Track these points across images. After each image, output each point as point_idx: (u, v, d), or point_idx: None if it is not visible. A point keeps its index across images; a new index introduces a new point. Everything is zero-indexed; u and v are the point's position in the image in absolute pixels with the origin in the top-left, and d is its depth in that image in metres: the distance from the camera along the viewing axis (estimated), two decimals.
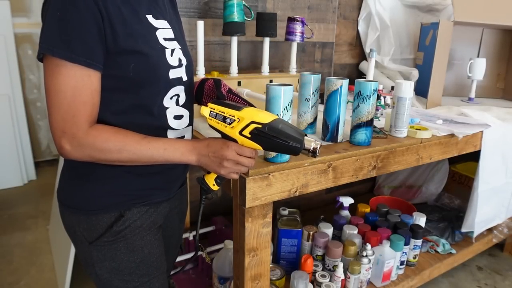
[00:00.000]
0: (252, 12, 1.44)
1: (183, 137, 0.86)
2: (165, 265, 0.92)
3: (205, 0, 1.47)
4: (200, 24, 1.27)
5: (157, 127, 0.80)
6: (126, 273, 0.83)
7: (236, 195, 0.92)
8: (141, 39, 0.73)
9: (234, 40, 1.38)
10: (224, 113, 0.73)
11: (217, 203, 1.73)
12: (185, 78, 0.83)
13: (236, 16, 1.33)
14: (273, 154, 0.92)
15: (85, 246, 0.82)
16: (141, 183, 0.81)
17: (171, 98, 0.81)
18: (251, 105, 0.82)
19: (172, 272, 1.48)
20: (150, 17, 0.76)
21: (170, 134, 0.83)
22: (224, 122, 0.73)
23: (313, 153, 0.73)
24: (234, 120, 0.72)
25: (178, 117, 0.83)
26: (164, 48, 0.77)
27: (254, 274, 0.99)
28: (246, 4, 1.38)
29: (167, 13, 0.83)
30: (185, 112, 0.85)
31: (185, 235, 1.53)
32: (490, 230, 1.82)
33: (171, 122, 0.82)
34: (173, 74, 0.79)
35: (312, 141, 0.73)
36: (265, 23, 1.43)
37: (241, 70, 1.51)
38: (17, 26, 2.74)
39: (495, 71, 1.96)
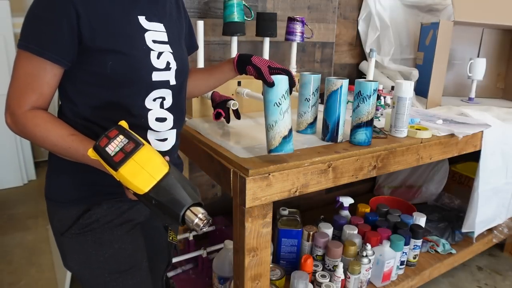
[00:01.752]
0: (252, 12, 1.44)
1: (165, 139, 0.86)
2: (144, 263, 0.90)
3: (205, 0, 1.47)
4: (200, 24, 1.26)
5: (136, 126, 0.78)
6: (95, 267, 0.84)
7: (236, 195, 0.92)
8: (123, 39, 0.74)
9: (234, 40, 1.38)
10: (105, 168, 0.65)
11: (217, 203, 1.73)
12: (173, 82, 0.83)
13: (236, 16, 1.32)
14: (275, 144, 0.89)
15: (58, 237, 0.84)
16: (113, 179, 0.79)
17: (154, 100, 0.81)
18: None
19: (172, 274, 1.48)
20: (142, 19, 0.78)
21: (150, 135, 0.83)
22: (108, 172, 0.66)
23: (195, 230, 0.64)
24: (114, 177, 0.65)
25: (160, 120, 0.83)
26: (150, 49, 0.77)
27: (254, 274, 0.99)
28: (246, 4, 1.38)
29: (167, 17, 0.84)
30: (169, 116, 0.85)
31: (185, 235, 1.53)
32: (490, 230, 1.82)
33: (152, 123, 0.82)
34: (157, 76, 0.79)
35: (195, 218, 0.63)
36: (265, 23, 1.42)
37: None
38: (17, 26, 2.74)
39: (495, 71, 1.96)
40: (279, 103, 0.88)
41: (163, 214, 0.64)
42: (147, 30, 0.78)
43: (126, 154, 0.63)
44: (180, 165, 0.97)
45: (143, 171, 0.63)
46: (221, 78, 1.03)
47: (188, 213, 0.64)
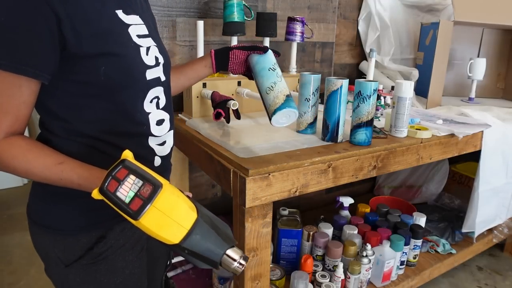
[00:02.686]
0: (252, 12, 1.44)
1: (164, 142, 0.81)
2: (146, 283, 0.87)
3: (205, 0, 1.47)
4: (200, 24, 1.26)
5: (138, 134, 0.75)
6: None
7: (236, 195, 0.92)
8: (112, 38, 0.66)
9: (234, 40, 1.38)
10: (119, 213, 0.55)
11: (217, 203, 1.73)
12: (163, 78, 0.78)
13: (236, 16, 1.32)
14: (279, 103, 0.84)
15: (60, 268, 0.75)
16: None
17: (151, 101, 0.75)
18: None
19: (172, 274, 1.48)
20: (120, 12, 0.69)
21: (151, 141, 0.78)
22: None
23: (234, 273, 0.60)
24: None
25: (159, 122, 0.78)
26: (138, 46, 0.70)
27: (254, 274, 0.99)
28: (246, 4, 1.38)
29: (139, 6, 0.76)
30: (166, 116, 0.80)
31: None
32: (490, 230, 1.82)
33: (153, 128, 0.77)
34: (150, 74, 0.73)
35: (233, 263, 0.58)
36: (265, 23, 1.42)
37: None
38: None
39: (495, 71, 1.96)
40: (274, 68, 0.89)
41: (198, 261, 0.58)
42: (129, 25, 0.70)
43: (144, 201, 0.53)
44: (169, 169, 0.90)
45: (170, 221, 0.54)
46: (194, 76, 0.99)
47: (225, 258, 0.58)
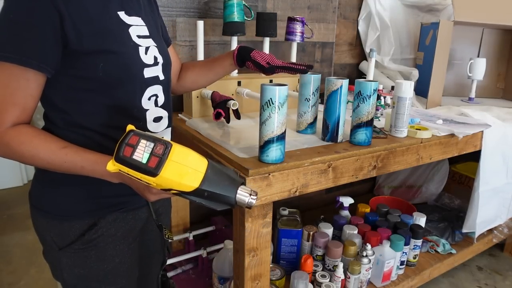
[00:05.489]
0: (252, 12, 1.44)
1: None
2: (136, 274, 0.89)
3: (205, 0, 1.47)
4: (200, 24, 1.26)
5: None
6: (94, 281, 0.82)
7: None
8: (111, 37, 0.70)
9: (234, 40, 1.38)
10: (136, 177, 0.60)
11: None
12: (162, 77, 0.81)
13: (236, 16, 1.32)
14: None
15: (54, 251, 0.80)
16: (118, 189, 0.74)
17: (149, 99, 0.78)
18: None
19: (172, 274, 1.48)
20: (122, 14, 0.74)
21: None
22: (141, 181, 0.61)
23: (248, 207, 0.67)
24: (151, 183, 0.61)
25: (157, 119, 0.82)
26: (137, 45, 0.75)
27: (254, 274, 0.99)
28: (246, 4, 1.38)
29: (142, 9, 0.81)
30: (164, 113, 0.83)
31: (184, 235, 1.53)
32: (490, 230, 1.82)
33: (150, 125, 0.80)
34: (148, 73, 0.77)
35: (247, 197, 0.65)
36: (265, 23, 1.42)
37: (241, 70, 1.51)
38: None
39: (495, 71, 1.96)
40: (260, 111, 0.87)
41: (215, 203, 0.64)
42: (130, 25, 0.74)
43: (160, 157, 0.59)
44: None
45: (187, 168, 0.61)
46: (221, 72, 1.02)
47: (239, 195, 0.65)
